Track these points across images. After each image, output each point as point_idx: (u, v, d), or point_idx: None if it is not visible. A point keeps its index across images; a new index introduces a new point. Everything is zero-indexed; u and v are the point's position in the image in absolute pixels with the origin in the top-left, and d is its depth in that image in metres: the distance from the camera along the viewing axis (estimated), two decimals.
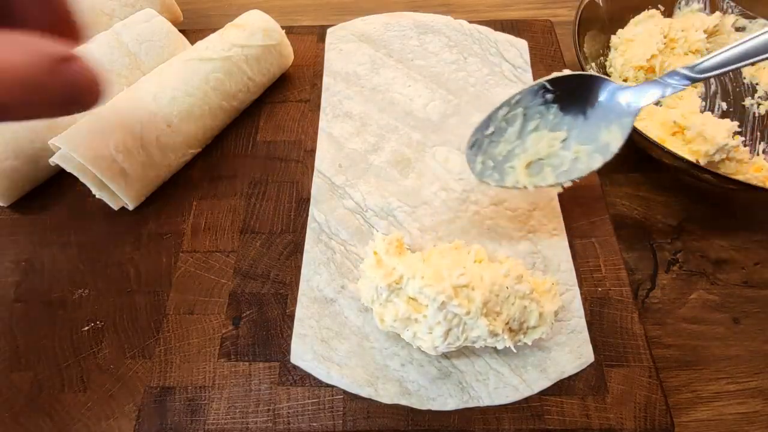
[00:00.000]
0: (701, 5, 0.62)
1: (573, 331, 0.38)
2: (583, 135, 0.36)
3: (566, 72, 0.37)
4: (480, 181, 0.36)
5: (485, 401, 0.35)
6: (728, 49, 0.32)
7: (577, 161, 0.36)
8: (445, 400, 0.35)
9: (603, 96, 0.36)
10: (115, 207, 0.46)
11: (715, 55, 0.33)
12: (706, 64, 0.33)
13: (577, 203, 0.44)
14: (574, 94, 0.36)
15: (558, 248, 0.42)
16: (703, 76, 0.33)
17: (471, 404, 0.35)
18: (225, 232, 0.45)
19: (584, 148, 0.36)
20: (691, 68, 0.33)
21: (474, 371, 0.36)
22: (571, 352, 0.37)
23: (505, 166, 0.37)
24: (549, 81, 0.36)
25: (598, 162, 0.35)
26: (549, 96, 0.37)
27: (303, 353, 0.38)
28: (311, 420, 0.36)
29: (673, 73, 0.34)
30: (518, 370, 0.36)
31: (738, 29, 0.62)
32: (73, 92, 0.21)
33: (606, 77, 0.36)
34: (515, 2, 0.72)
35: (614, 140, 0.35)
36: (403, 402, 0.35)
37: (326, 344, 0.38)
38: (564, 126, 0.37)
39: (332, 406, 0.36)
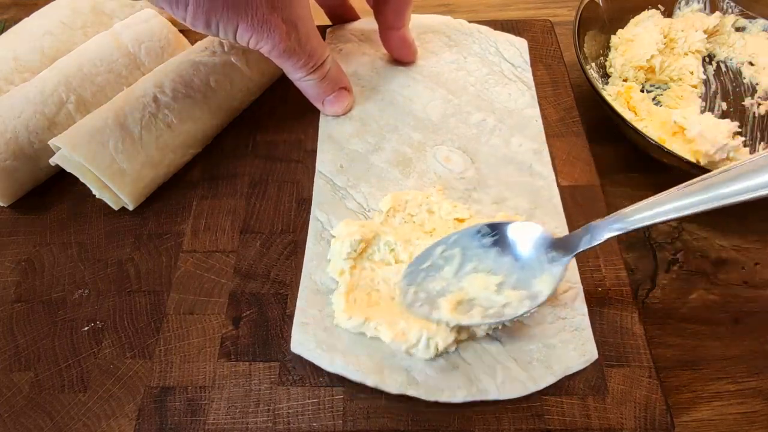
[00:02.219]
0: (701, 5, 0.62)
1: (577, 328, 0.38)
2: (519, 280, 0.37)
3: (501, 219, 0.38)
4: (408, 311, 0.37)
5: (493, 395, 0.35)
6: (657, 202, 0.32)
7: (506, 306, 0.36)
8: (454, 391, 0.35)
9: (536, 244, 0.37)
10: (115, 207, 0.46)
11: (641, 207, 0.33)
12: (634, 217, 0.33)
13: (577, 203, 0.44)
14: (511, 238, 0.37)
15: None
16: (629, 228, 0.33)
17: (479, 397, 0.35)
18: (225, 232, 0.45)
19: (516, 293, 0.36)
20: (616, 220, 0.34)
21: (482, 364, 0.36)
22: (576, 349, 0.37)
23: (437, 300, 0.37)
24: (487, 225, 0.37)
25: (524, 308, 0.35)
26: (487, 240, 0.38)
27: (305, 341, 0.37)
28: (311, 420, 0.36)
29: (596, 227, 0.35)
30: (525, 366, 0.36)
31: (738, 29, 0.62)
32: None
33: (539, 226, 0.37)
34: (515, 2, 0.72)
35: (544, 289, 0.35)
36: (411, 392, 0.35)
37: (329, 332, 0.37)
38: (502, 270, 0.37)
39: (332, 406, 0.36)
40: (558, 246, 0.36)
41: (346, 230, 0.39)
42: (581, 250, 0.35)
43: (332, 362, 0.36)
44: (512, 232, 0.37)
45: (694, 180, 0.32)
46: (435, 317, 0.36)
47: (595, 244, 0.34)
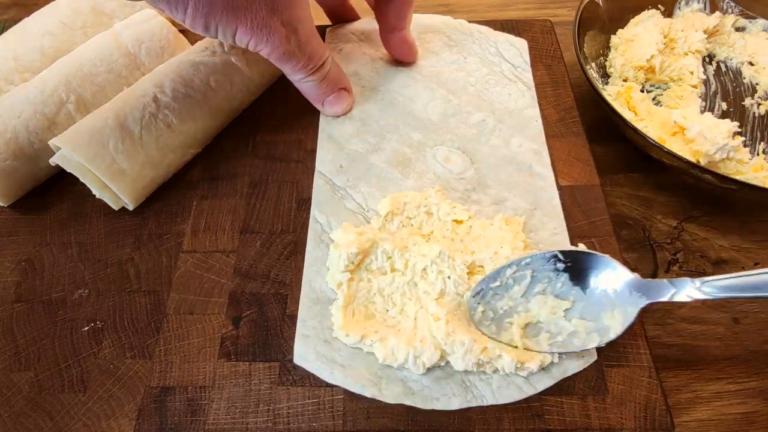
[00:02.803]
0: (701, 5, 0.62)
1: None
2: (587, 310, 0.37)
3: (581, 247, 0.38)
4: (477, 329, 0.37)
5: (489, 400, 0.35)
6: (754, 274, 0.32)
7: (574, 335, 0.36)
8: (449, 399, 0.35)
9: (614, 280, 0.36)
10: (116, 207, 0.46)
11: (737, 277, 0.33)
12: (723, 283, 0.33)
13: (576, 203, 0.44)
14: (585, 269, 0.37)
15: (559, 247, 0.42)
16: (718, 295, 0.33)
17: (474, 403, 0.35)
18: (225, 232, 0.45)
19: (585, 323, 0.36)
20: (704, 283, 0.34)
21: (477, 370, 0.36)
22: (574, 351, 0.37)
23: (504, 320, 0.37)
24: (562, 252, 0.37)
25: (594, 342, 0.35)
26: (560, 265, 0.38)
27: (306, 354, 0.37)
28: (311, 420, 0.36)
29: (684, 285, 0.34)
30: (521, 370, 0.36)
31: (738, 29, 0.62)
32: None
33: (619, 263, 0.36)
34: (515, 2, 0.72)
35: (615, 326, 0.35)
36: (407, 402, 0.35)
37: (329, 345, 0.38)
38: (570, 296, 0.37)
39: (332, 406, 0.36)
40: (637, 288, 0.36)
41: (344, 238, 0.39)
42: (660, 300, 0.34)
43: (332, 375, 0.37)
44: (587, 263, 0.37)
45: None
46: (504, 339, 0.36)
47: (677, 300, 0.34)
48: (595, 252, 0.38)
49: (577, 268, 0.37)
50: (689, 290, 0.34)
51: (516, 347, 0.36)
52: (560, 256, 0.37)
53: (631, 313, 0.35)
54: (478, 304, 0.38)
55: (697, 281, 0.34)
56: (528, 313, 0.37)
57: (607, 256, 0.37)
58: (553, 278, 0.38)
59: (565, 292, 0.38)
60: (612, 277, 0.37)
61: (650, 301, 0.35)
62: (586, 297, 0.37)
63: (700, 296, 0.34)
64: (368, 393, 0.36)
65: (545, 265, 0.38)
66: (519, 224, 0.42)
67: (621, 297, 0.36)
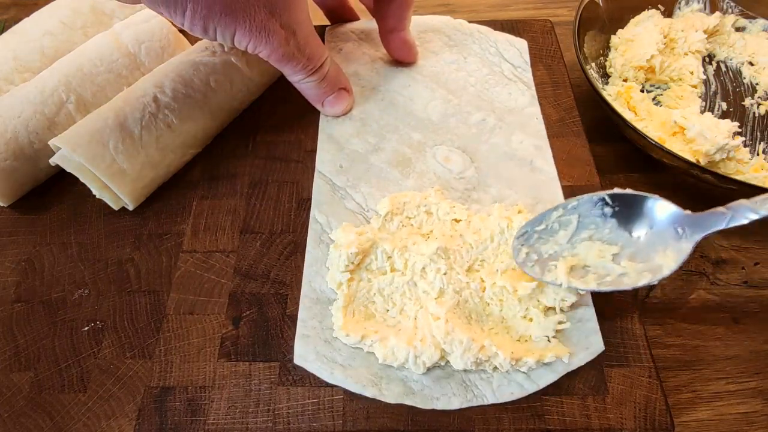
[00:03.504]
0: (701, 5, 0.62)
1: (580, 320, 0.38)
2: (637, 253, 0.36)
3: (629, 191, 0.37)
4: (520, 269, 0.37)
5: (490, 399, 0.35)
6: None
7: (624, 276, 0.35)
8: (449, 399, 0.35)
9: (664, 219, 0.35)
10: (116, 207, 0.46)
11: None
12: None
13: None
14: (634, 212, 0.36)
15: None
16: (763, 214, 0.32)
17: (475, 403, 0.35)
18: (225, 232, 0.45)
19: (635, 265, 0.35)
20: (755, 205, 0.32)
21: (477, 368, 0.36)
22: (579, 342, 0.37)
23: (549, 263, 0.37)
24: (609, 195, 0.36)
25: (645, 280, 0.35)
26: (607, 210, 0.37)
27: (306, 354, 0.37)
28: (311, 420, 0.36)
29: (740, 207, 0.33)
30: (519, 365, 0.36)
31: (738, 29, 0.62)
32: None
33: (669, 202, 0.35)
34: (515, 2, 0.72)
35: (668, 263, 0.34)
36: (408, 402, 0.35)
37: (329, 345, 0.38)
38: (619, 241, 0.36)
39: (332, 406, 0.36)
40: (690, 223, 0.34)
41: (344, 238, 0.39)
42: (716, 229, 0.33)
43: (332, 374, 0.37)
44: (636, 206, 0.36)
45: None
46: (548, 279, 0.35)
47: (735, 224, 0.32)
48: (643, 193, 0.36)
49: (625, 212, 0.36)
50: (744, 211, 0.32)
51: (560, 285, 0.35)
52: (608, 200, 0.36)
53: (686, 249, 0.34)
54: (522, 245, 0.37)
55: (757, 199, 0.32)
56: (575, 258, 0.36)
57: (655, 196, 0.35)
58: (600, 224, 0.37)
59: (614, 238, 0.36)
60: (662, 216, 0.35)
61: (705, 233, 0.33)
62: (635, 241, 0.36)
63: (756, 216, 0.32)
64: (368, 393, 0.36)
65: (592, 209, 0.37)
66: (517, 209, 0.42)
67: (673, 235, 0.35)
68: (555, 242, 0.37)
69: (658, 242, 0.35)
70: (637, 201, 0.36)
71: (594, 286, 0.35)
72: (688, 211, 0.35)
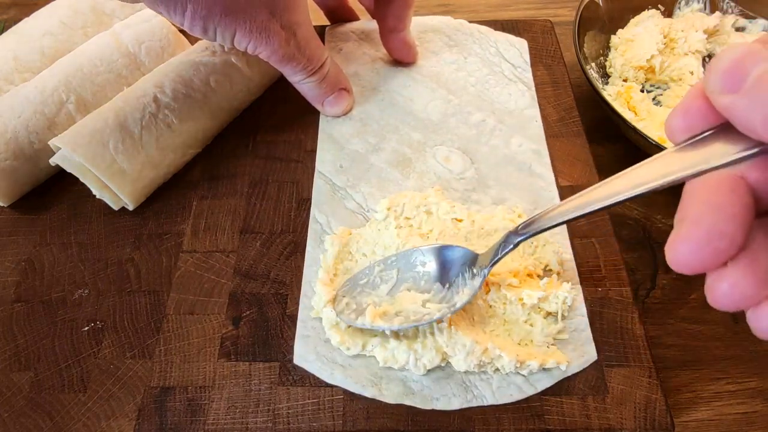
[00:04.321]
0: (701, 5, 0.62)
1: (576, 329, 0.38)
2: (443, 298, 0.37)
3: (436, 243, 0.39)
4: (336, 317, 0.38)
5: (489, 400, 0.35)
6: (549, 211, 0.32)
7: (427, 315, 0.36)
8: (449, 399, 0.35)
9: (462, 263, 0.37)
10: (116, 207, 0.46)
11: (537, 218, 0.33)
12: (531, 227, 0.33)
13: None
14: (443, 262, 0.38)
15: (558, 246, 0.42)
16: (525, 236, 0.34)
17: (475, 403, 0.35)
18: (225, 232, 0.45)
19: (439, 306, 0.37)
20: (525, 226, 0.34)
21: (479, 370, 0.36)
22: (575, 350, 0.37)
23: (366, 310, 0.38)
24: (423, 249, 0.38)
25: (440, 313, 0.36)
26: (423, 262, 0.38)
27: (306, 354, 0.38)
28: (311, 420, 0.36)
29: (509, 236, 0.35)
30: (521, 369, 0.36)
31: (738, 29, 0.62)
32: None
33: (464, 248, 0.38)
34: (515, 2, 0.72)
35: (462, 299, 0.36)
36: (407, 402, 0.35)
37: (329, 345, 0.38)
38: (431, 290, 0.38)
39: (332, 406, 0.36)
40: (478, 261, 0.36)
41: (323, 297, 0.39)
42: (496, 259, 0.35)
43: (332, 375, 0.37)
44: (444, 256, 0.38)
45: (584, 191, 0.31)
46: (359, 323, 0.36)
47: (507, 251, 0.35)
48: (445, 243, 0.38)
49: (437, 264, 0.38)
50: (512, 239, 0.34)
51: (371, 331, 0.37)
52: (421, 255, 0.38)
53: (477, 285, 0.36)
54: (344, 296, 0.38)
55: (520, 225, 0.34)
56: (390, 306, 0.38)
57: (454, 245, 0.38)
58: (417, 277, 0.38)
59: (427, 288, 0.38)
60: (461, 261, 0.37)
61: (490, 267, 0.35)
62: (444, 289, 0.37)
63: (523, 237, 0.34)
64: (368, 393, 0.36)
65: (409, 264, 0.38)
66: (519, 215, 0.42)
67: (469, 275, 0.37)
68: (376, 295, 0.38)
69: (459, 285, 0.37)
70: (445, 252, 0.38)
71: (397, 326, 0.36)
72: (473, 252, 0.37)
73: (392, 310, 0.37)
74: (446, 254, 0.38)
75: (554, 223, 0.31)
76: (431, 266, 0.38)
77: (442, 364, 0.36)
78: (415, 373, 0.36)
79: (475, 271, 0.36)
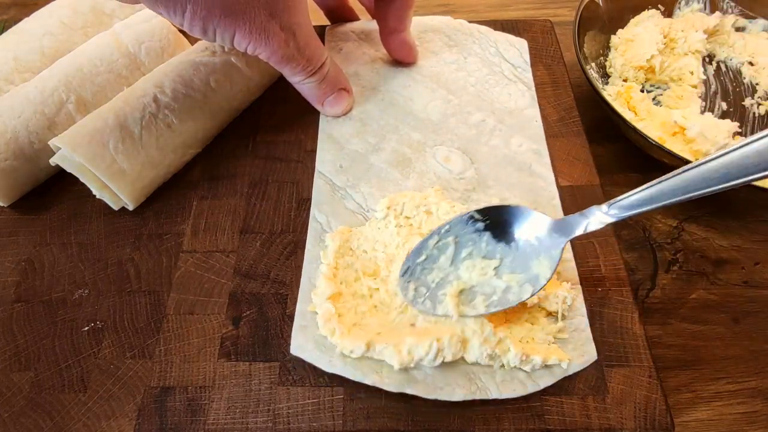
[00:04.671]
0: (701, 5, 0.62)
1: (576, 329, 0.38)
2: (516, 263, 0.37)
3: (495, 202, 0.38)
4: (413, 307, 0.37)
5: (493, 393, 0.35)
6: (651, 186, 0.32)
7: (508, 291, 0.36)
8: (453, 389, 0.35)
9: (532, 227, 0.37)
10: (116, 207, 0.46)
11: (637, 192, 0.32)
12: (626, 201, 0.33)
13: (576, 203, 0.44)
14: (504, 222, 0.37)
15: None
16: (624, 215, 0.33)
17: (478, 396, 0.35)
18: (225, 232, 0.45)
19: (516, 276, 0.36)
20: (611, 206, 0.34)
21: (487, 362, 0.36)
22: (575, 350, 0.37)
23: (438, 293, 0.37)
24: (478, 211, 0.37)
25: (527, 293, 0.36)
26: (479, 225, 0.38)
27: (304, 343, 0.37)
28: (311, 420, 0.36)
29: (594, 213, 0.35)
30: (524, 364, 0.36)
31: (738, 29, 0.62)
32: None
33: (533, 210, 0.37)
34: (515, 2, 0.72)
35: (543, 271, 0.36)
36: (410, 391, 0.35)
37: None
38: (497, 254, 0.37)
39: (332, 406, 0.36)
40: (555, 229, 0.36)
41: (322, 296, 0.38)
42: (577, 234, 0.35)
43: (331, 363, 0.36)
44: (505, 216, 0.37)
45: (689, 165, 0.31)
46: (440, 312, 0.36)
47: (592, 229, 0.34)
48: (508, 204, 0.38)
49: (496, 224, 0.37)
50: (599, 216, 0.34)
51: (452, 318, 0.36)
52: (477, 216, 0.37)
53: (555, 255, 0.35)
54: (409, 282, 0.37)
55: (605, 206, 0.34)
56: (459, 281, 0.37)
57: (520, 205, 0.37)
58: (476, 239, 0.38)
59: (492, 251, 0.37)
60: (531, 224, 0.37)
61: (568, 238, 0.35)
62: (512, 250, 0.37)
63: (610, 219, 0.34)
64: (369, 381, 0.35)
65: (465, 227, 0.38)
66: None
67: (543, 242, 0.36)
68: (439, 269, 0.38)
69: (531, 251, 0.36)
70: (504, 211, 0.37)
71: (483, 310, 0.36)
72: (550, 218, 0.36)
73: (466, 286, 0.36)
74: (507, 215, 0.37)
75: (648, 208, 0.31)
76: (490, 227, 0.37)
77: (457, 357, 0.36)
78: (429, 366, 0.35)
79: (549, 238, 0.35)
